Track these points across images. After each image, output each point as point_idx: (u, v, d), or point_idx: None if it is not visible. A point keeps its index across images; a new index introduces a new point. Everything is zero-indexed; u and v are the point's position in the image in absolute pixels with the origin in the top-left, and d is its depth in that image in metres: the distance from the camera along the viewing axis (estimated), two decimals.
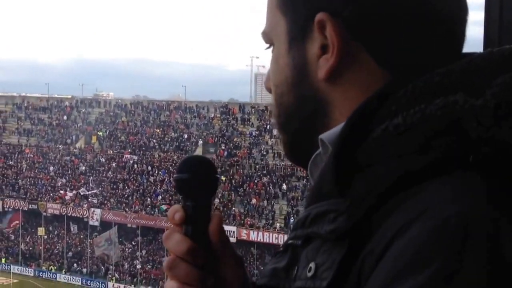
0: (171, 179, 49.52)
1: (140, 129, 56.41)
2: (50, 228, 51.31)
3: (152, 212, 47.61)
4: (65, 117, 60.49)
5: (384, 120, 0.71)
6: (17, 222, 51.18)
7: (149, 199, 48.94)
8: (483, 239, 0.59)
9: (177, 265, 0.87)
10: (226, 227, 44.17)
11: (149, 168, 51.66)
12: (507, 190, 0.64)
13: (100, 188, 51.12)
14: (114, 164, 53.23)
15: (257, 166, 49.09)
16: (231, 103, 60.77)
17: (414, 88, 0.72)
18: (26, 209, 51.49)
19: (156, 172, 51.12)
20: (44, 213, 50.40)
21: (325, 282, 0.70)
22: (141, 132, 56.04)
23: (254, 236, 43.66)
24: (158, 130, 55.40)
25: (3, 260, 49.33)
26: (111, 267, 45.56)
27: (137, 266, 45.51)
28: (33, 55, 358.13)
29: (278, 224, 43.37)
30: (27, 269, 48.22)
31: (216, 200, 46.41)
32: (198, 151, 52.44)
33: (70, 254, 49.06)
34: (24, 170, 55.77)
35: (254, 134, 52.53)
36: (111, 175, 52.26)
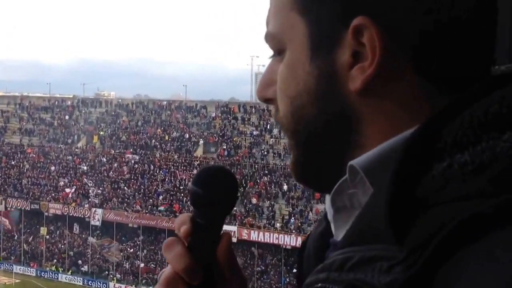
0: (172, 178, 49.86)
1: (141, 129, 56.61)
2: (52, 228, 51.59)
3: (154, 212, 47.82)
4: (67, 117, 60.73)
5: (442, 155, 0.62)
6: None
7: (150, 199, 49.14)
8: None
9: (174, 282, 0.83)
10: (227, 227, 44.46)
11: (151, 167, 51.85)
12: None
13: (101, 188, 51.34)
14: (115, 164, 53.45)
15: (257, 166, 49.27)
16: (231, 102, 60.82)
17: (472, 118, 0.62)
18: (29, 209, 51.77)
19: (158, 171, 51.30)
20: (46, 213, 50.68)
21: None
22: (142, 132, 56.25)
23: (255, 236, 43.81)
24: (159, 130, 55.60)
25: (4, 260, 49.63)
26: (112, 267, 45.86)
27: (139, 266, 45.77)
28: (35, 54, 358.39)
29: (278, 224, 43.54)
30: (29, 269, 48.55)
31: None
32: (199, 151, 52.70)
33: (71, 253, 49.37)
34: (26, 170, 56.01)
35: (254, 133, 52.71)
36: (113, 175, 52.49)
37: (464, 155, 0.61)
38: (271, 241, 43.18)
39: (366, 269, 0.62)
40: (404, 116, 0.71)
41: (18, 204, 52.39)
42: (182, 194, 47.97)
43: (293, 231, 42.22)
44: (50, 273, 47.51)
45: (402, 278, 0.58)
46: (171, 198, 48.24)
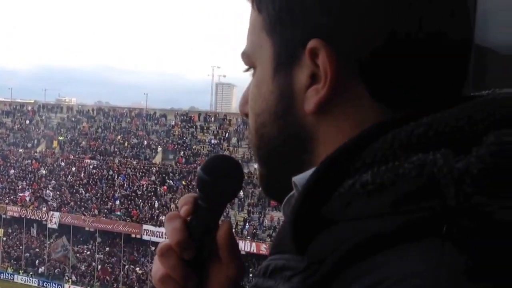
0: (130, 184, 50.58)
1: (101, 135, 57.08)
2: (9, 230, 51.83)
3: (111, 217, 48.41)
4: (27, 122, 60.96)
5: (355, 174, 0.63)
6: None
7: (108, 203, 49.73)
8: None
9: (167, 254, 0.85)
10: None
11: (109, 173, 52.46)
12: (487, 269, 0.54)
13: (59, 192, 51.83)
14: (74, 169, 53.96)
15: None
16: (191, 111, 61.95)
17: (394, 139, 0.63)
18: None
19: (116, 177, 51.96)
20: (4, 216, 50.93)
21: None
22: (102, 138, 56.71)
23: None
24: (119, 136, 56.22)
25: None
26: (68, 269, 46.36)
27: (95, 268, 46.34)
28: None
29: (233, 231, 44.54)
30: None
31: (172, 206, 47.54)
32: (158, 158, 53.45)
33: (28, 255, 49.63)
34: None
35: (213, 142, 53.76)
36: (71, 179, 53.02)
37: (367, 174, 0.61)
38: None
39: (276, 276, 0.68)
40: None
41: None
42: (140, 200, 48.70)
43: (248, 237, 43.36)
44: (6, 274, 47.77)
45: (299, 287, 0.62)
46: (129, 203, 48.88)
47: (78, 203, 50.50)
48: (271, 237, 40.62)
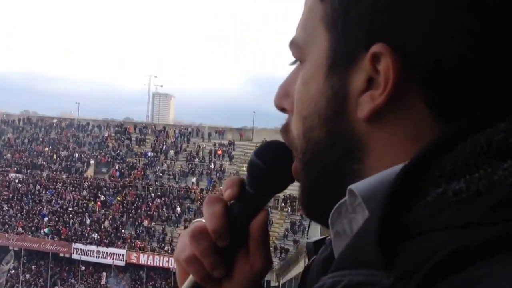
0: (59, 199, 47.69)
1: (27, 147, 54.15)
2: None
3: (38, 235, 45.42)
4: None
5: (438, 182, 0.61)
6: None
7: (34, 220, 46.71)
8: None
9: (199, 237, 0.82)
10: (116, 250, 42.91)
11: (36, 187, 49.43)
12: None
13: None
14: None
15: (151, 188, 48.17)
16: (126, 122, 59.70)
17: (474, 146, 0.61)
18: None
19: (44, 192, 48.97)
20: None
21: None
22: (28, 150, 53.78)
23: (144, 259, 42.57)
24: (47, 148, 53.28)
25: None
26: None
27: None
28: None
29: (169, 247, 42.55)
30: None
31: (106, 223, 45.06)
32: (90, 171, 50.90)
33: None
34: None
35: (149, 155, 51.64)
36: None
37: (460, 182, 0.59)
38: (161, 265, 42.11)
39: None
40: (410, 147, 0.68)
41: None
42: (69, 216, 45.94)
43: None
44: None
45: None
46: (57, 220, 46.05)
47: (1, 220, 47.12)
48: None
